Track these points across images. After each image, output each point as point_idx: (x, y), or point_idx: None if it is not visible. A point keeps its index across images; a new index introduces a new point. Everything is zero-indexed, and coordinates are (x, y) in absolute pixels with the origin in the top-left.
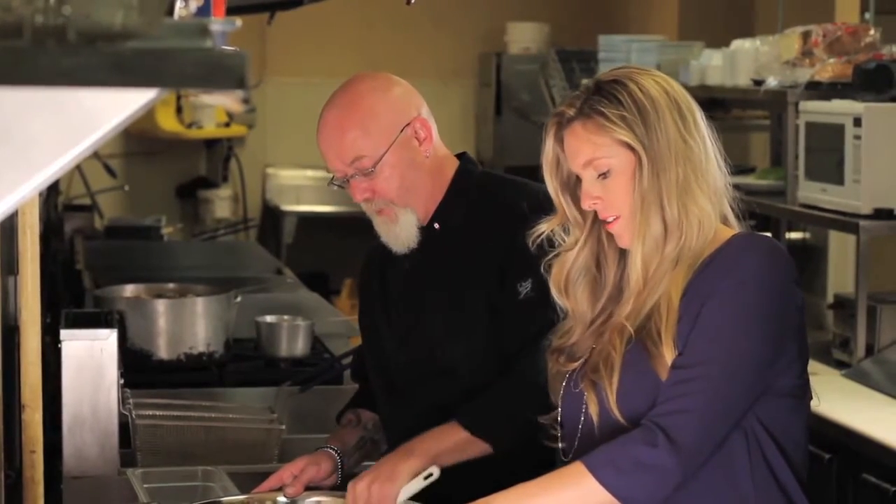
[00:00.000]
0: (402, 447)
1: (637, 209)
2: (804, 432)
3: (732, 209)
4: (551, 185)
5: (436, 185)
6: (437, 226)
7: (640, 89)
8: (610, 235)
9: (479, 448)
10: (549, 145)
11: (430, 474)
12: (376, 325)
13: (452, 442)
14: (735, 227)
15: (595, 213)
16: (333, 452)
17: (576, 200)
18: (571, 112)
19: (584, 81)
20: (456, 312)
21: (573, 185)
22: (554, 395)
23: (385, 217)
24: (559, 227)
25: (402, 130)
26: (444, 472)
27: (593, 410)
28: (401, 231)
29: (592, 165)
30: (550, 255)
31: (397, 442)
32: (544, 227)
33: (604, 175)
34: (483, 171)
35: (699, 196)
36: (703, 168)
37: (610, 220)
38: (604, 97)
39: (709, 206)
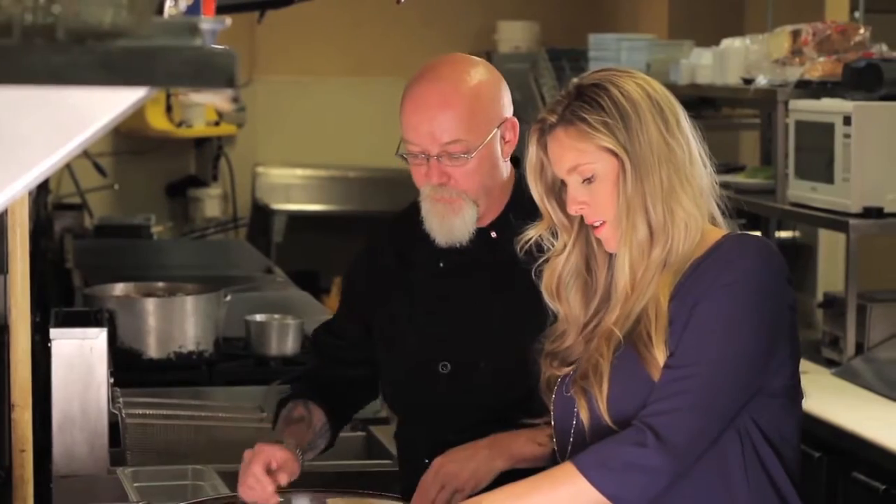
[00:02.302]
0: (497, 445)
1: (622, 214)
2: (797, 432)
3: (719, 207)
4: (536, 191)
5: (503, 193)
6: (494, 234)
7: (622, 93)
8: (599, 238)
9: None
10: (532, 151)
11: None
12: (395, 324)
13: (544, 456)
14: (723, 227)
15: (582, 216)
16: (296, 453)
17: (561, 205)
18: (553, 119)
19: (567, 85)
20: (503, 322)
21: (558, 190)
22: (546, 399)
23: (447, 206)
24: (548, 232)
25: (498, 126)
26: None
27: (584, 417)
28: (458, 224)
29: (577, 171)
30: (541, 260)
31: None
32: (532, 233)
33: (588, 180)
34: None
35: (684, 198)
36: (686, 169)
37: (596, 224)
38: (585, 102)
39: (694, 208)
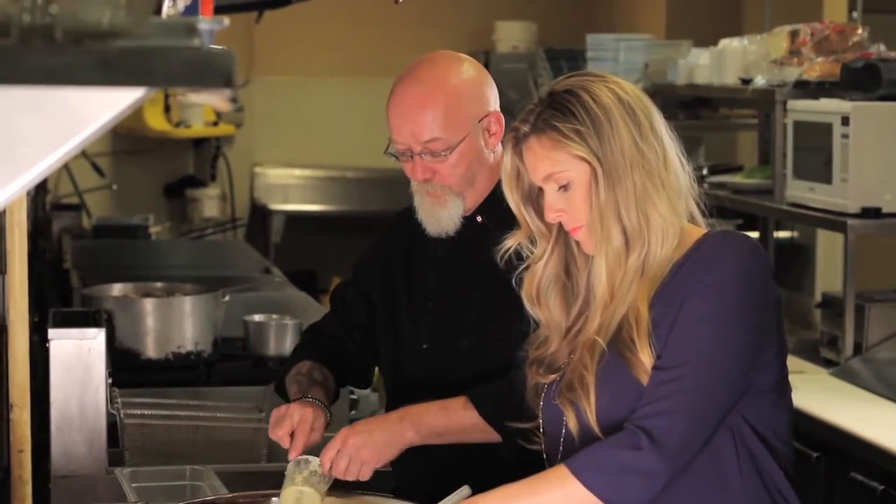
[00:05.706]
0: (408, 417)
1: (596, 222)
2: (788, 427)
3: (698, 206)
4: (512, 199)
5: (490, 180)
6: (479, 219)
7: (594, 99)
8: (578, 241)
9: (484, 435)
10: (508, 160)
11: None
12: (394, 305)
13: (458, 424)
14: (702, 225)
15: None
16: (325, 410)
17: (539, 212)
18: (526, 128)
19: (539, 92)
20: (491, 307)
21: (535, 197)
22: (533, 406)
23: (434, 199)
24: (526, 240)
25: (479, 121)
26: (425, 472)
27: (573, 427)
28: (444, 216)
29: (552, 179)
30: (521, 268)
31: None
32: (510, 242)
33: (564, 188)
34: None
35: (659, 203)
36: (661, 173)
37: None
38: (557, 110)
39: (670, 212)
